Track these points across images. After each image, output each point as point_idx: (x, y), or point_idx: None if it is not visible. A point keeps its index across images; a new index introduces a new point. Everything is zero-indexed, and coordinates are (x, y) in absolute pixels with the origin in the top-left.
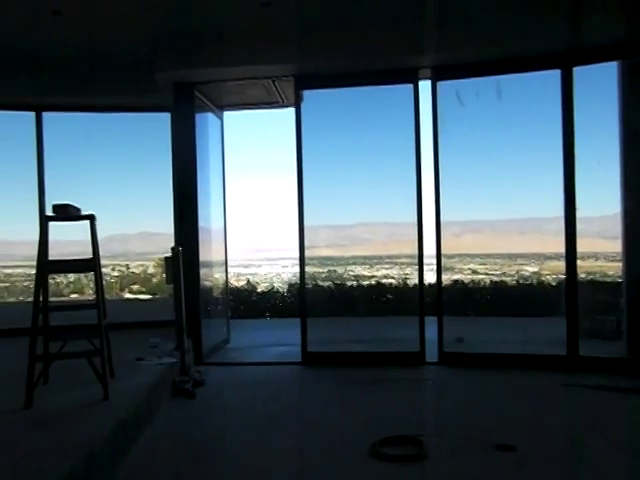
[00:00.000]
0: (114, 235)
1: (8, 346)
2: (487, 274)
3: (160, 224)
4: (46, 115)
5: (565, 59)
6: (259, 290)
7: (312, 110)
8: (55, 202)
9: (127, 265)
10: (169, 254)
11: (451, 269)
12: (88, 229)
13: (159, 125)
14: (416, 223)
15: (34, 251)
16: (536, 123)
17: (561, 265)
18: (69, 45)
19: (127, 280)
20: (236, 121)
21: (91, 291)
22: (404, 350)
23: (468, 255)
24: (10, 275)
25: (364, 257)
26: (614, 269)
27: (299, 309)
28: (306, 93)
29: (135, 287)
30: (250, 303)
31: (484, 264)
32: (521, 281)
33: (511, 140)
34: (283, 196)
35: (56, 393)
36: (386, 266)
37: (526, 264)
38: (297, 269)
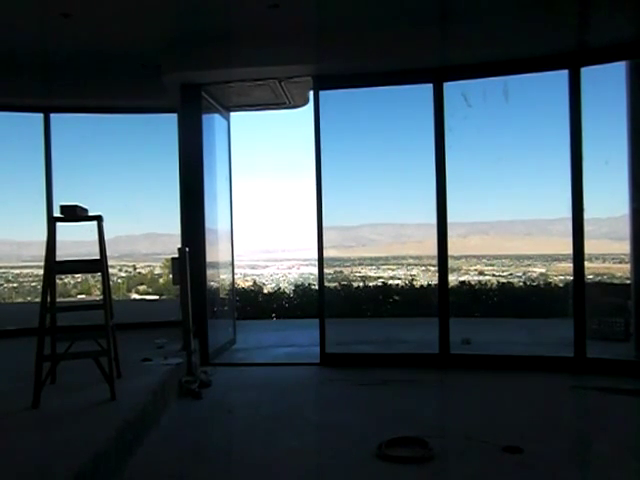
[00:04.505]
0: (121, 236)
1: (16, 346)
2: (494, 275)
3: (167, 225)
4: (54, 116)
5: (573, 59)
6: (265, 291)
7: (323, 111)
8: (63, 203)
9: (134, 266)
10: (176, 255)
11: (457, 270)
12: (95, 230)
13: (166, 126)
14: (436, 224)
15: (42, 252)
16: (543, 123)
17: (568, 266)
18: (77, 47)
19: (134, 281)
20: (242, 122)
21: (98, 292)
22: (425, 352)
23: (475, 256)
24: (18, 275)
25: (370, 258)
26: (622, 271)
27: (317, 310)
28: (312, 94)
29: (142, 288)
30: (256, 304)
31: (491, 265)
32: (528, 282)
33: (518, 141)
34: (289, 197)
35: (63, 393)
36: (392, 267)
37: (533, 265)
38: (303, 270)
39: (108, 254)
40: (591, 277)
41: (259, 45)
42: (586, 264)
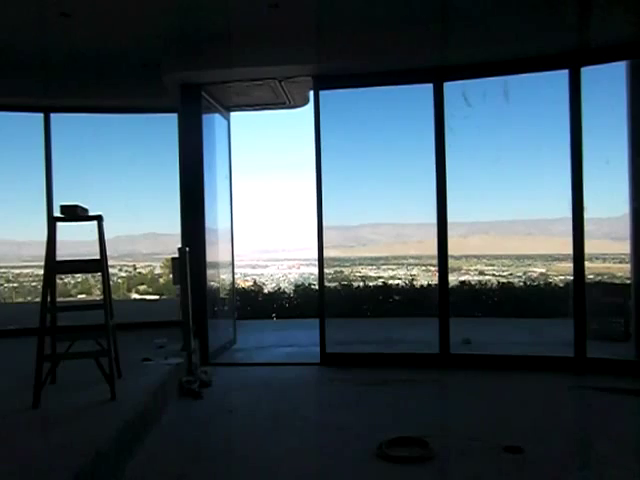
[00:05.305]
0: (121, 236)
1: (16, 346)
2: (494, 275)
3: (167, 225)
4: (54, 116)
5: (573, 59)
6: (265, 291)
7: (323, 111)
8: (63, 203)
9: (134, 265)
10: (176, 255)
11: (458, 270)
12: (95, 230)
13: (166, 126)
14: (436, 224)
15: (42, 251)
16: (543, 123)
17: (569, 266)
18: (77, 47)
19: (134, 280)
20: (242, 122)
21: (98, 291)
22: (426, 352)
23: (475, 256)
24: (18, 275)
25: (370, 258)
26: (622, 271)
27: (317, 310)
28: (312, 94)
29: (142, 287)
30: (256, 304)
31: (491, 265)
32: (528, 282)
33: (518, 141)
34: (289, 197)
35: (63, 393)
36: (392, 267)
37: (533, 265)
38: (303, 270)
39: (108, 254)
40: (591, 277)
41: (259, 45)
42: (586, 264)
